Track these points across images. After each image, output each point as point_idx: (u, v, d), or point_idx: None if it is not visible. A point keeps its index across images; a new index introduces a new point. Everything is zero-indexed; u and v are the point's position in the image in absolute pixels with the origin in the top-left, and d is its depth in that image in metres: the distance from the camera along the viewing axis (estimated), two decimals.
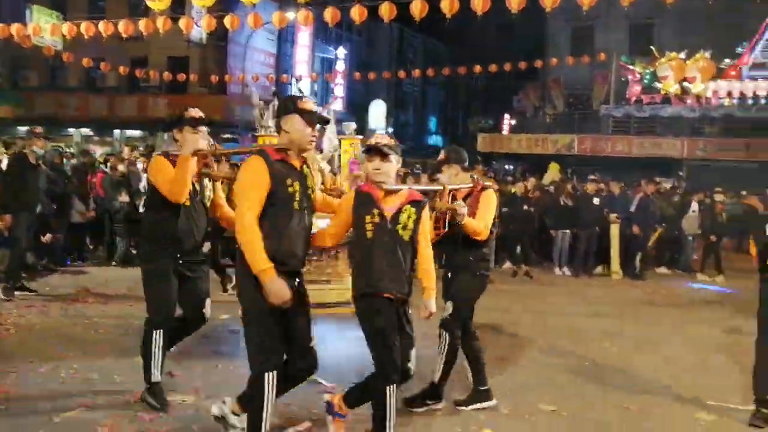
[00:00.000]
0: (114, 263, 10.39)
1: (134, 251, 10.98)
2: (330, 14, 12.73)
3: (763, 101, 21.65)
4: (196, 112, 4.38)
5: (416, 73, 27.11)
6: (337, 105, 31.26)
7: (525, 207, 11.84)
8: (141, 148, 18.64)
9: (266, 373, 3.48)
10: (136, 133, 27.56)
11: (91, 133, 28.48)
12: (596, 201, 11.95)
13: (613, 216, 11.90)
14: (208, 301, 4.46)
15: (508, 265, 11.77)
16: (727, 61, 21.96)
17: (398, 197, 3.81)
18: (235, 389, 4.75)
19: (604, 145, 22.93)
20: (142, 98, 26.23)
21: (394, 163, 3.81)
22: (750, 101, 21.73)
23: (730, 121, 22.90)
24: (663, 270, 12.82)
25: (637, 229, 11.88)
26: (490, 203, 4.60)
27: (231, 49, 26.26)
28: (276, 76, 26.20)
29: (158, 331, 4.34)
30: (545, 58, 25.50)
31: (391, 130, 35.43)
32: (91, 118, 26.76)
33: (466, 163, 4.75)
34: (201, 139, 4.31)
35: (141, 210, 10.15)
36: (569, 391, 5.41)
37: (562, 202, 12.01)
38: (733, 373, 6.18)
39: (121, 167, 10.96)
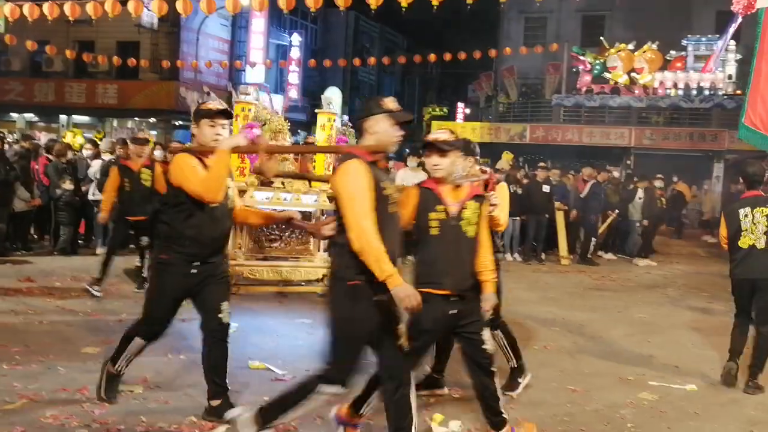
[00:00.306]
0: (55, 252, 10.13)
1: (81, 241, 10.77)
2: (284, 0, 12.59)
3: (706, 92, 22.26)
4: (213, 104, 4.12)
5: (372, 61, 27.09)
6: (293, 92, 31.00)
7: None
8: (90, 135, 18.20)
9: (324, 386, 3.41)
10: (85, 119, 26.84)
11: (36, 119, 27.64)
12: (546, 188, 12.17)
13: (558, 203, 12.19)
14: (224, 305, 4.10)
15: None
16: (672, 52, 22.48)
17: (461, 192, 3.82)
18: (182, 380, 4.74)
19: (556, 134, 23.32)
20: (90, 84, 25.52)
21: (454, 158, 3.77)
22: (694, 92, 22.31)
23: (676, 111, 23.48)
24: (609, 255, 13.15)
25: (586, 216, 12.15)
26: (506, 195, 4.82)
27: (183, 35, 25.72)
28: (230, 63, 25.82)
29: (141, 340, 4.18)
30: (499, 48, 25.73)
31: (346, 118, 35.27)
32: (36, 103, 25.95)
33: (478, 156, 4.76)
34: (239, 135, 4.14)
35: (90, 197, 10.00)
36: None
37: (511, 190, 12.13)
38: (677, 354, 6.39)
39: (69, 154, 10.70)
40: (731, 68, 21.91)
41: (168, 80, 24.55)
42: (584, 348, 6.48)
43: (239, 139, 4.07)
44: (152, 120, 25.44)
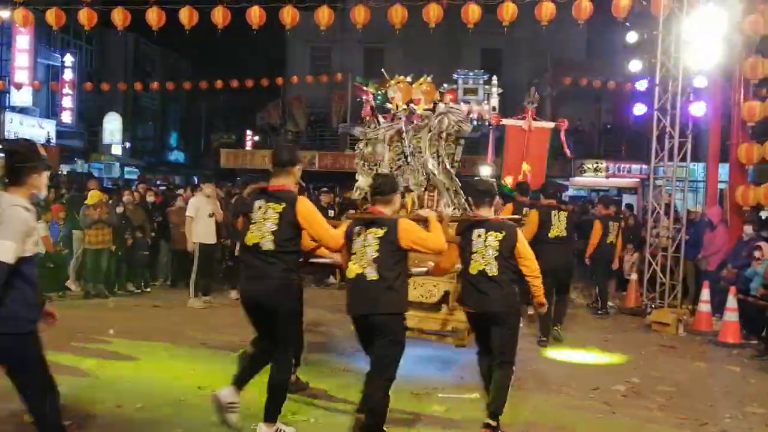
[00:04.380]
0: None
1: None
2: (54, 16, 11.74)
3: (474, 123, 24.22)
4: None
5: (155, 86, 26.01)
6: (66, 117, 28.78)
7: None
8: None
9: None
10: None
11: None
12: (331, 213, 12.45)
13: None
14: None
15: None
16: (445, 85, 24.19)
17: None
18: None
19: (343, 162, 23.92)
20: None
21: None
22: None
23: None
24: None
25: None
26: None
27: None
28: None
29: None
30: (286, 77, 26.04)
31: (128, 145, 33.50)
32: None
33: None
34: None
35: None
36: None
37: None
38: (460, 368, 6.79)
39: None
40: (495, 101, 24.16)
41: None
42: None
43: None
44: None
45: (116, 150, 31.99)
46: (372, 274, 4.43)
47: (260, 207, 4.51)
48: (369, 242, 4.48)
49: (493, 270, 4.93)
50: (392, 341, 4.50)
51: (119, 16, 11.84)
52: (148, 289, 11.16)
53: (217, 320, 8.68)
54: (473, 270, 4.99)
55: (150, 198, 12.06)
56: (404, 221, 4.59)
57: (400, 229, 4.46)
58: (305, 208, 4.45)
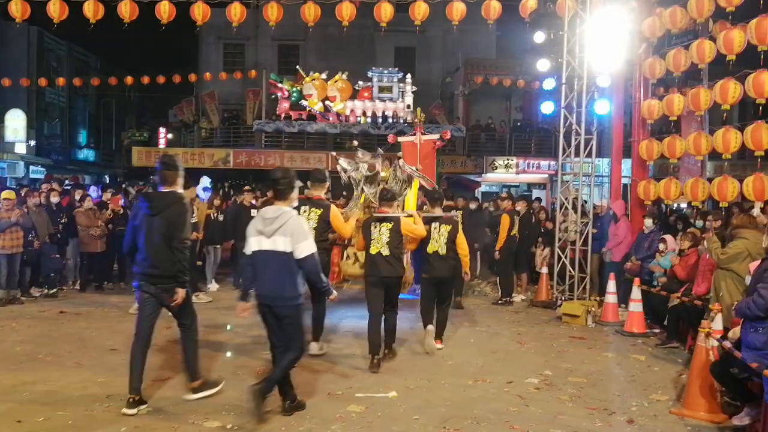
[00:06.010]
0: None
1: None
2: None
3: (390, 120, 24.32)
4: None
5: (61, 81, 24.88)
6: None
7: None
8: None
9: None
10: None
11: None
12: (254, 213, 12.22)
13: None
14: None
15: None
16: (360, 83, 24.23)
17: None
18: None
19: (259, 159, 23.58)
20: None
21: None
22: (380, 120, 24.25)
23: (366, 137, 25.34)
24: None
25: None
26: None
27: None
28: None
29: None
30: (199, 73, 25.41)
31: (33, 143, 31.87)
32: None
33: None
34: None
35: None
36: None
37: (212, 217, 11.85)
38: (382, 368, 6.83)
39: None
40: (409, 99, 24.31)
41: None
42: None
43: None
44: None
45: (20, 148, 30.36)
46: (386, 252, 6.77)
47: (305, 210, 6.95)
48: (383, 232, 6.84)
49: (444, 250, 7.41)
50: (398, 291, 7.07)
51: (17, 8, 11.27)
52: (54, 291, 10.74)
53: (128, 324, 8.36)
54: (431, 250, 7.43)
55: (54, 199, 11.51)
56: (403, 218, 7.10)
57: (401, 223, 6.93)
58: (335, 211, 7.13)
